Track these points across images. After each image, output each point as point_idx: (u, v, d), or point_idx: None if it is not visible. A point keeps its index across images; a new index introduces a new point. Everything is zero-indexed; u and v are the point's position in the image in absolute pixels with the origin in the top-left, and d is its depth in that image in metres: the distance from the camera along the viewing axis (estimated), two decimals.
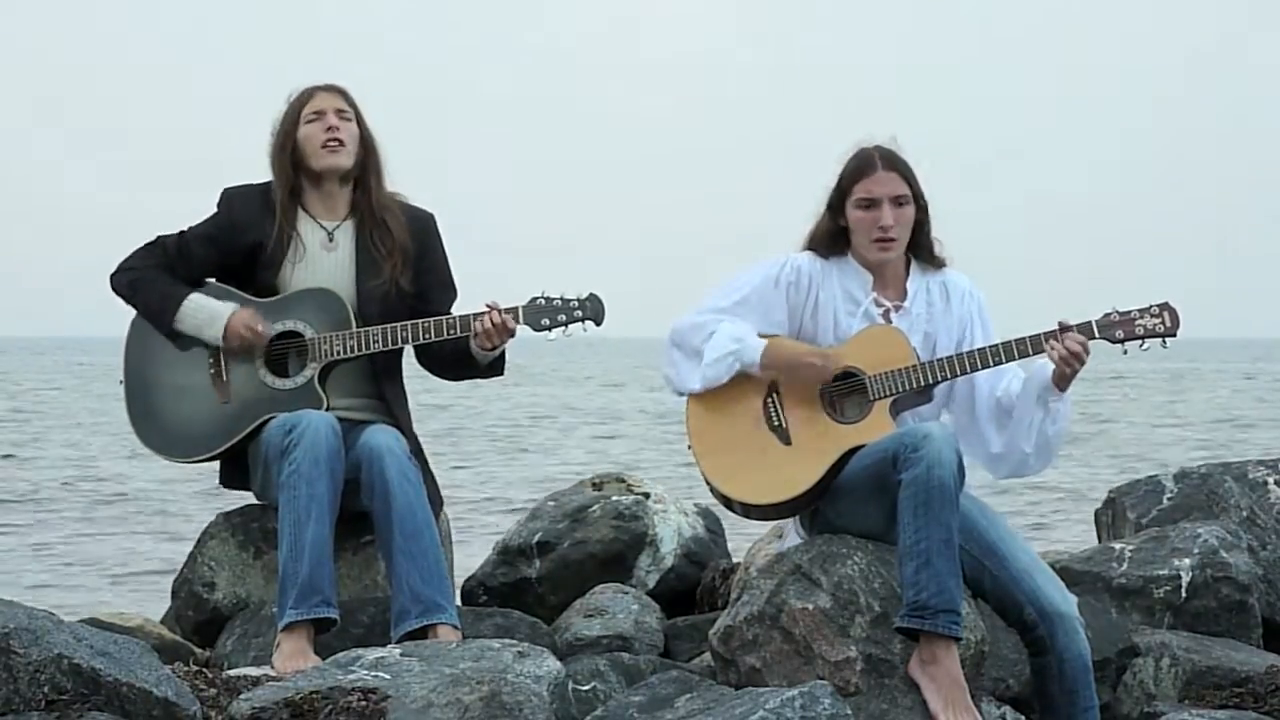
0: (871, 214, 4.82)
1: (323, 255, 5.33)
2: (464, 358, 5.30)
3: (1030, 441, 4.83)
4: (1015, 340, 4.81)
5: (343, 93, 5.39)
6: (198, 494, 14.34)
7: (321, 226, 5.35)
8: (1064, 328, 4.79)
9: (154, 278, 5.33)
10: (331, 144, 5.31)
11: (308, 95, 5.38)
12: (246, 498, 5.48)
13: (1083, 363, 4.74)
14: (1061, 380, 4.77)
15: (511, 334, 5.22)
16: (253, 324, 5.24)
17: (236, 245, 5.32)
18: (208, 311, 5.27)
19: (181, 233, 5.37)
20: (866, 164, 4.83)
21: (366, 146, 5.38)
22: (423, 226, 5.43)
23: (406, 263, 5.33)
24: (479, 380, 5.49)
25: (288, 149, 5.32)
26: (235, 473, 5.39)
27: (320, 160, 5.31)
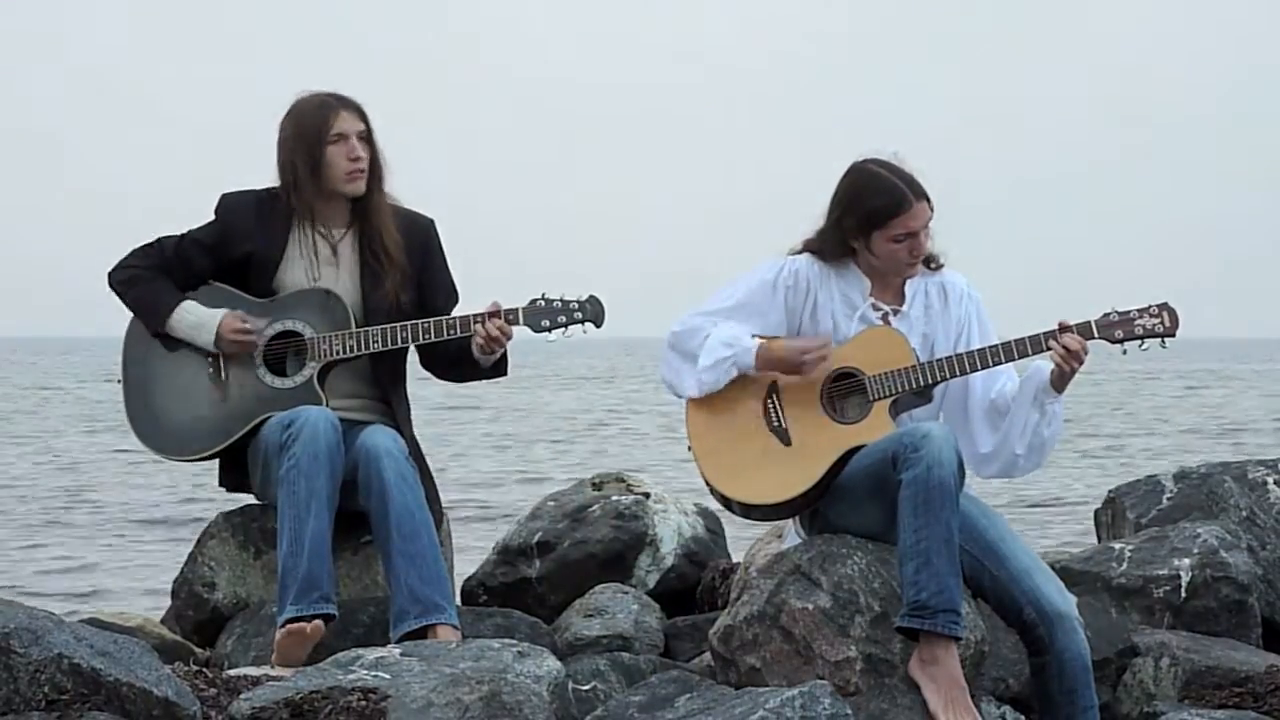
0: (908, 244, 4.81)
1: (327, 270, 5.31)
2: (466, 359, 5.28)
3: (1024, 443, 4.84)
4: (1015, 340, 4.82)
5: (361, 112, 5.28)
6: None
7: (324, 237, 5.32)
8: (1063, 328, 4.79)
9: (150, 279, 5.31)
10: (356, 174, 5.25)
11: (332, 113, 5.24)
12: (246, 497, 5.48)
13: (1081, 363, 4.75)
14: (1059, 381, 4.78)
15: (509, 337, 5.22)
16: (241, 326, 5.22)
17: (231, 254, 5.31)
18: (196, 317, 5.25)
19: (182, 236, 5.35)
20: (901, 200, 4.78)
21: (374, 163, 5.30)
22: (422, 234, 5.39)
23: (405, 280, 5.31)
24: (482, 381, 5.48)
25: (316, 166, 5.22)
26: (235, 473, 5.39)
27: (342, 187, 5.26)
